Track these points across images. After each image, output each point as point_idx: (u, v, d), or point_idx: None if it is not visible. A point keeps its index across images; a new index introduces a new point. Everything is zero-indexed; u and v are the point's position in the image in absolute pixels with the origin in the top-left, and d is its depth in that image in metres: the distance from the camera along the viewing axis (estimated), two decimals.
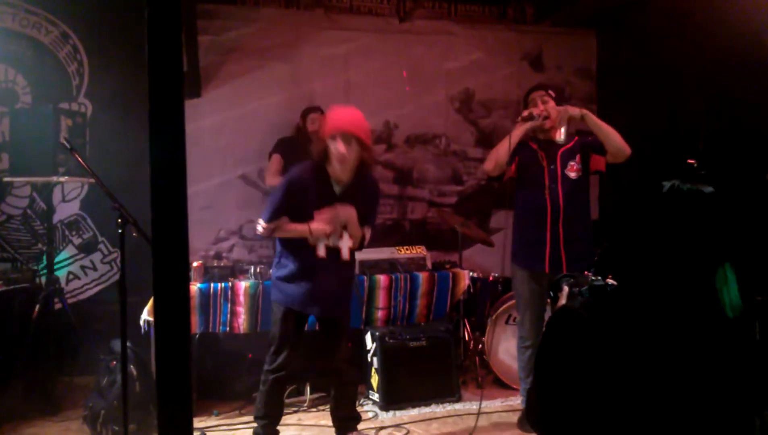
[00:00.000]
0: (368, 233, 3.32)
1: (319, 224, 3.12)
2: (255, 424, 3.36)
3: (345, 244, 3.22)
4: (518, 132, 3.57)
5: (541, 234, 3.55)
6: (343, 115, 3.19)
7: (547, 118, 3.54)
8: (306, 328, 3.40)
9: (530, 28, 6.10)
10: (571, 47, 6.15)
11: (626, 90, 5.69)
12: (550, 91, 3.71)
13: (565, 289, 1.83)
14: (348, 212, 3.18)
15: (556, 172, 3.57)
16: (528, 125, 3.55)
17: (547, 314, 3.50)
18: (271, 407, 3.33)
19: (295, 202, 3.16)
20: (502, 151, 3.54)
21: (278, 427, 3.40)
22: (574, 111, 3.55)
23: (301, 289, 3.23)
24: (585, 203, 3.69)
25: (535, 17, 6.16)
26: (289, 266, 3.25)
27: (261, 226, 3.19)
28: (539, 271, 3.57)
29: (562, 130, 3.54)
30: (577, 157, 3.60)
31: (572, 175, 3.58)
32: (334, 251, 3.22)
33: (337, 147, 3.08)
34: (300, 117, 4.86)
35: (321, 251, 3.19)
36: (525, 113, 3.57)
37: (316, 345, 3.51)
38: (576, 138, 3.68)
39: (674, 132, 4.96)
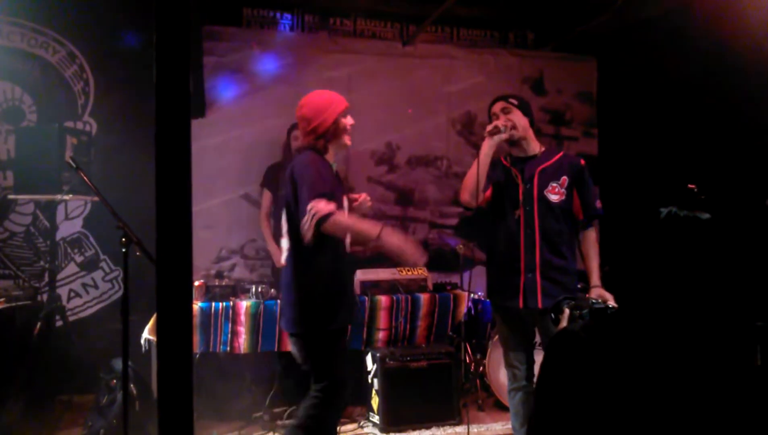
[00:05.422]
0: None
1: (390, 234, 2.74)
2: None
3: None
4: (486, 150, 3.13)
5: (513, 264, 3.09)
6: (334, 95, 2.97)
7: (514, 128, 3.14)
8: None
9: (531, 53, 6.18)
10: (572, 72, 6.21)
11: (627, 114, 5.73)
12: (512, 100, 3.21)
13: (566, 311, 1.84)
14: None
15: (531, 193, 3.12)
16: (496, 139, 3.12)
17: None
18: None
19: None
20: (472, 176, 3.11)
21: None
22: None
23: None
24: (568, 234, 3.15)
25: (536, 42, 6.25)
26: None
27: (324, 205, 2.66)
28: (514, 306, 3.11)
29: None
30: (563, 179, 3.12)
31: (553, 197, 3.10)
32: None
33: (348, 121, 2.97)
34: (286, 134, 4.77)
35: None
36: (489, 127, 3.14)
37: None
38: (560, 154, 3.23)
39: (674, 156, 4.98)
